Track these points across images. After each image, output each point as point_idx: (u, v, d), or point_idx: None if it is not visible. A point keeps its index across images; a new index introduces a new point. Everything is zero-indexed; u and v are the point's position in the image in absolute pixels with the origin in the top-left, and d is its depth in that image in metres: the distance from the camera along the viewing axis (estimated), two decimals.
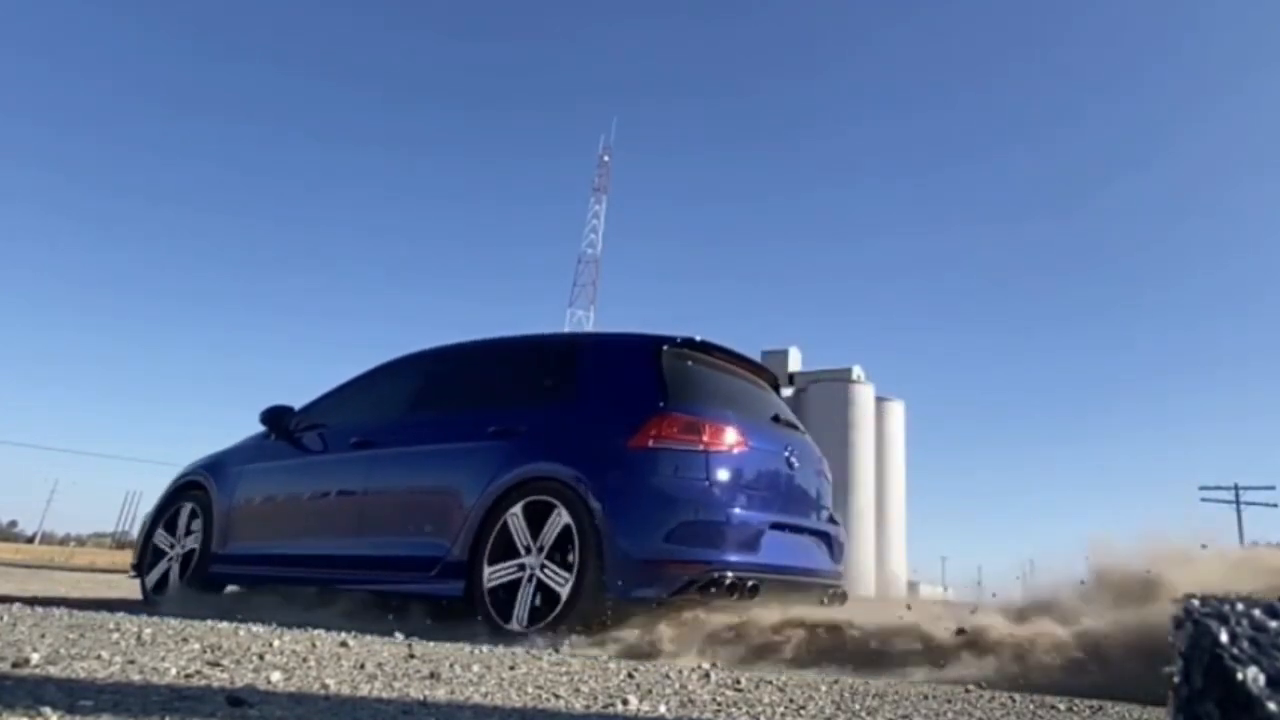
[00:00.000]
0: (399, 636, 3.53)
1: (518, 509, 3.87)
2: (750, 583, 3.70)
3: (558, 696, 2.14)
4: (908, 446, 26.33)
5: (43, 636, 2.63)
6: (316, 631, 3.42)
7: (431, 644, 3.31)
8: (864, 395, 25.01)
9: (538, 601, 3.72)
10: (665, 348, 4.22)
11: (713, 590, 3.62)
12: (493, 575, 3.84)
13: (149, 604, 4.98)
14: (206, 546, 5.12)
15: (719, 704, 2.21)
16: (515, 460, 3.99)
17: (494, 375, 4.74)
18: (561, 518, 3.73)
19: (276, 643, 2.83)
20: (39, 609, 3.68)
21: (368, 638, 3.31)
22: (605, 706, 2.06)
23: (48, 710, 1.46)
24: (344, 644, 2.96)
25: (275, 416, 5.26)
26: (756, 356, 5.15)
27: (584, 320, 39.46)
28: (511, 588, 3.80)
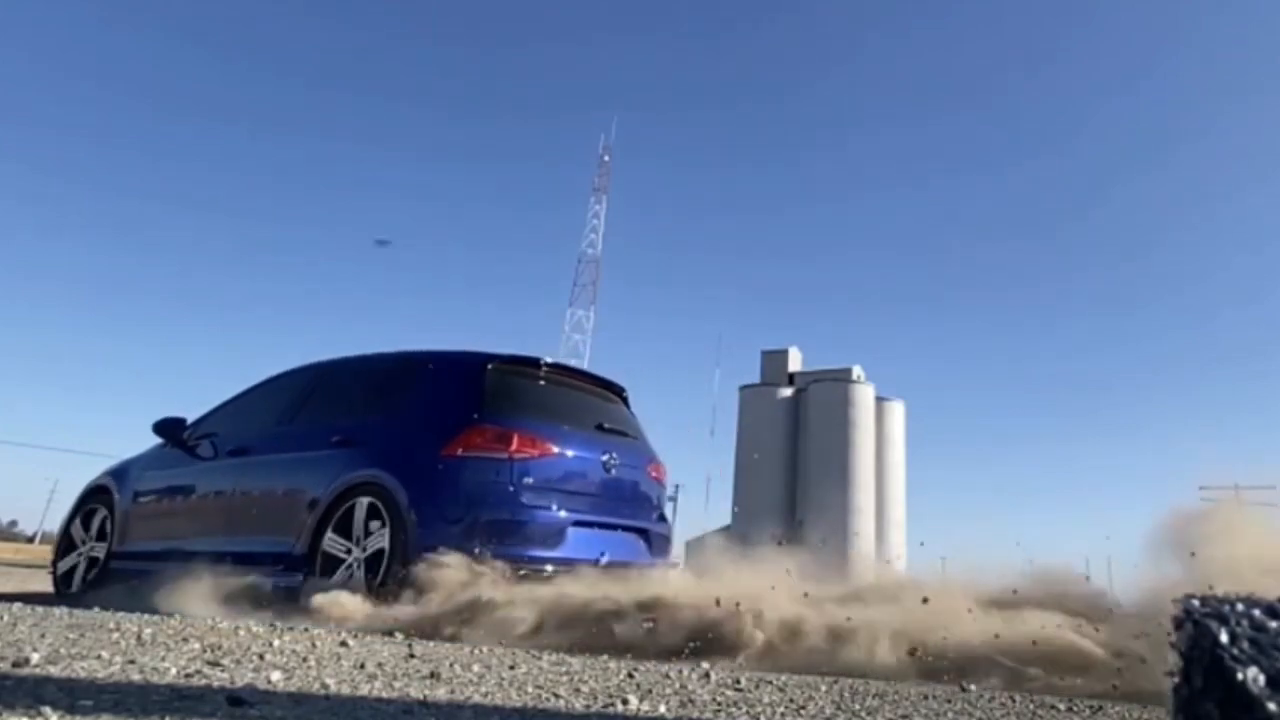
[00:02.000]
0: (398, 636, 3.53)
1: (345, 510, 4.34)
2: (547, 572, 4.14)
3: (558, 696, 2.14)
4: (908, 446, 26.33)
5: (43, 636, 2.63)
6: (317, 631, 3.42)
7: (431, 644, 3.31)
8: (864, 395, 24.99)
9: None
10: (490, 365, 4.69)
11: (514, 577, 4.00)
12: (325, 570, 4.30)
13: (60, 597, 5.46)
14: (109, 545, 5.62)
15: (719, 704, 2.21)
16: (349, 467, 4.45)
17: (346, 389, 5.22)
18: (379, 516, 4.21)
19: (276, 642, 2.83)
20: (39, 609, 3.68)
21: (368, 638, 3.31)
22: (605, 706, 2.06)
23: (48, 710, 1.46)
24: (344, 644, 2.96)
25: (167, 427, 5.77)
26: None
27: (584, 320, 39.42)
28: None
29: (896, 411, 26.09)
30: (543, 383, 4.89)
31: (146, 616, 3.64)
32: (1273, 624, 0.83)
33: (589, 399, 5.12)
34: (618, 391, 5.44)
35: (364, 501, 4.31)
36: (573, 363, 6.08)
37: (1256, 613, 0.85)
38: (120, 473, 5.95)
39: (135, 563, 5.38)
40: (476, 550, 4.00)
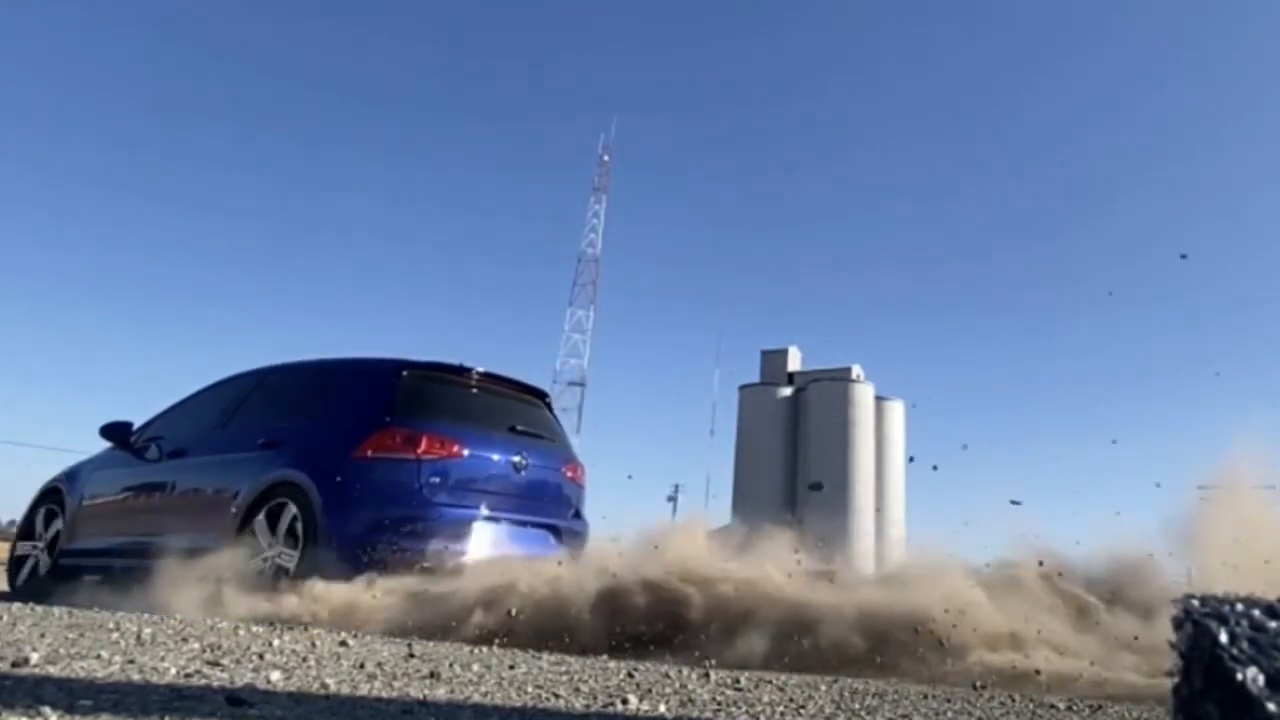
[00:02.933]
0: (398, 636, 3.53)
1: (266, 507, 4.57)
2: (452, 563, 4.38)
3: (557, 696, 2.14)
4: (908, 446, 26.32)
5: (42, 636, 2.63)
6: (316, 631, 3.42)
7: (431, 644, 3.32)
8: (864, 395, 24.99)
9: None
10: (405, 372, 4.92)
11: (415, 570, 4.25)
12: (256, 563, 4.47)
13: (15, 593, 5.75)
14: (60, 543, 5.89)
15: (719, 703, 2.21)
16: (271, 467, 4.69)
17: (276, 394, 5.44)
18: (293, 512, 4.46)
19: (276, 642, 2.83)
20: (38, 609, 3.68)
21: (367, 638, 3.31)
22: (605, 706, 2.06)
23: (48, 710, 1.46)
24: (344, 644, 2.96)
25: (113, 430, 5.94)
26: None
27: (584, 319, 39.42)
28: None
29: (896, 411, 26.09)
30: (459, 388, 5.16)
31: (146, 616, 3.64)
32: (1272, 624, 0.84)
33: (507, 403, 5.35)
34: (540, 396, 5.68)
35: (281, 500, 4.54)
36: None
37: (1256, 613, 0.85)
38: (72, 474, 6.22)
39: (83, 560, 5.66)
40: (382, 545, 4.25)
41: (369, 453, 4.49)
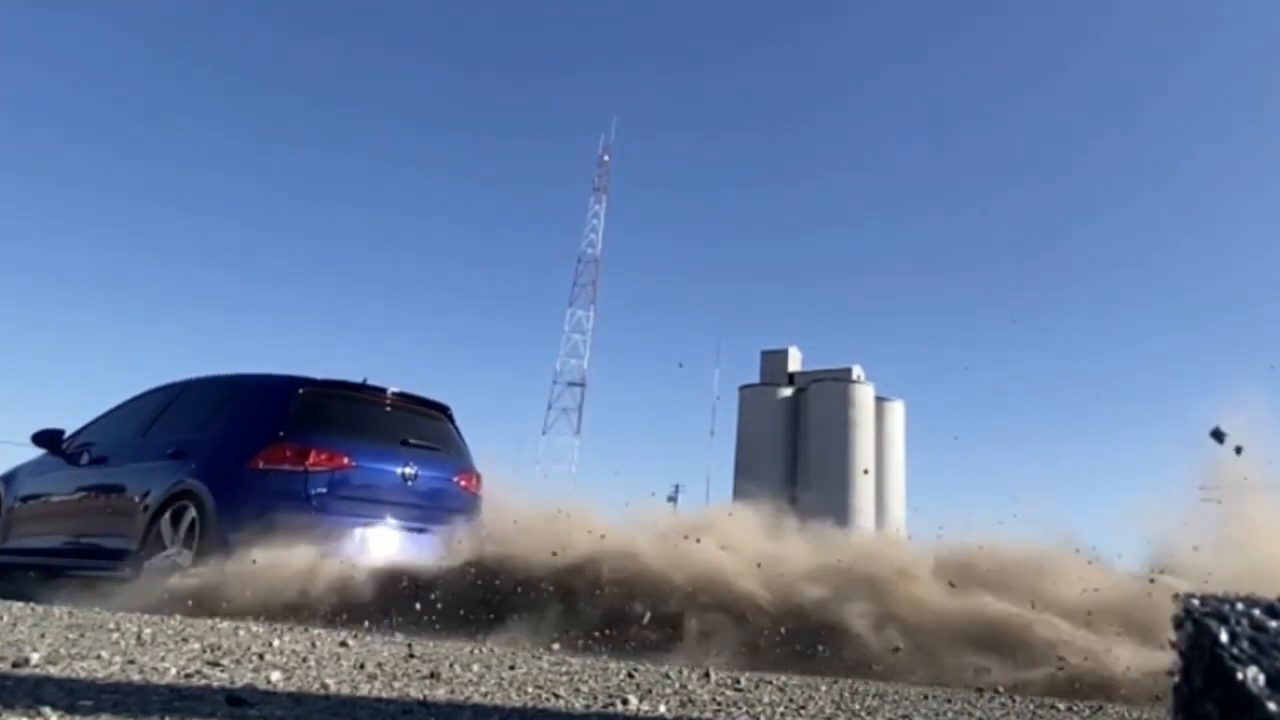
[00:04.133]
0: (399, 636, 3.53)
1: (169, 513, 4.97)
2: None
3: (558, 696, 2.14)
4: (907, 446, 26.33)
5: (43, 636, 2.63)
6: (316, 631, 3.42)
7: (431, 644, 3.32)
8: (864, 395, 24.99)
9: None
10: (301, 390, 5.34)
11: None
12: (153, 562, 4.89)
13: None
14: None
15: (719, 704, 2.21)
16: (176, 475, 5.08)
17: (189, 407, 5.79)
18: (192, 516, 4.85)
19: (276, 642, 2.83)
20: (38, 609, 3.68)
21: (368, 638, 3.31)
22: (605, 706, 2.06)
23: (48, 710, 1.46)
24: (344, 644, 2.96)
25: (44, 438, 6.27)
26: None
27: (584, 320, 39.39)
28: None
29: (896, 411, 26.09)
30: (356, 404, 5.60)
31: (146, 617, 3.64)
32: (1273, 623, 0.83)
33: (405, 417, 5.76)
34: (442, 410, 6.07)
35: (180, 506, 4.96)
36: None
37: (1256, 612, 0.85)
38: (9, 477, 6.60)
39: (17, 558, 6.04)
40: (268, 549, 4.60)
41: (261, 464, 4.93)
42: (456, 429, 6.11)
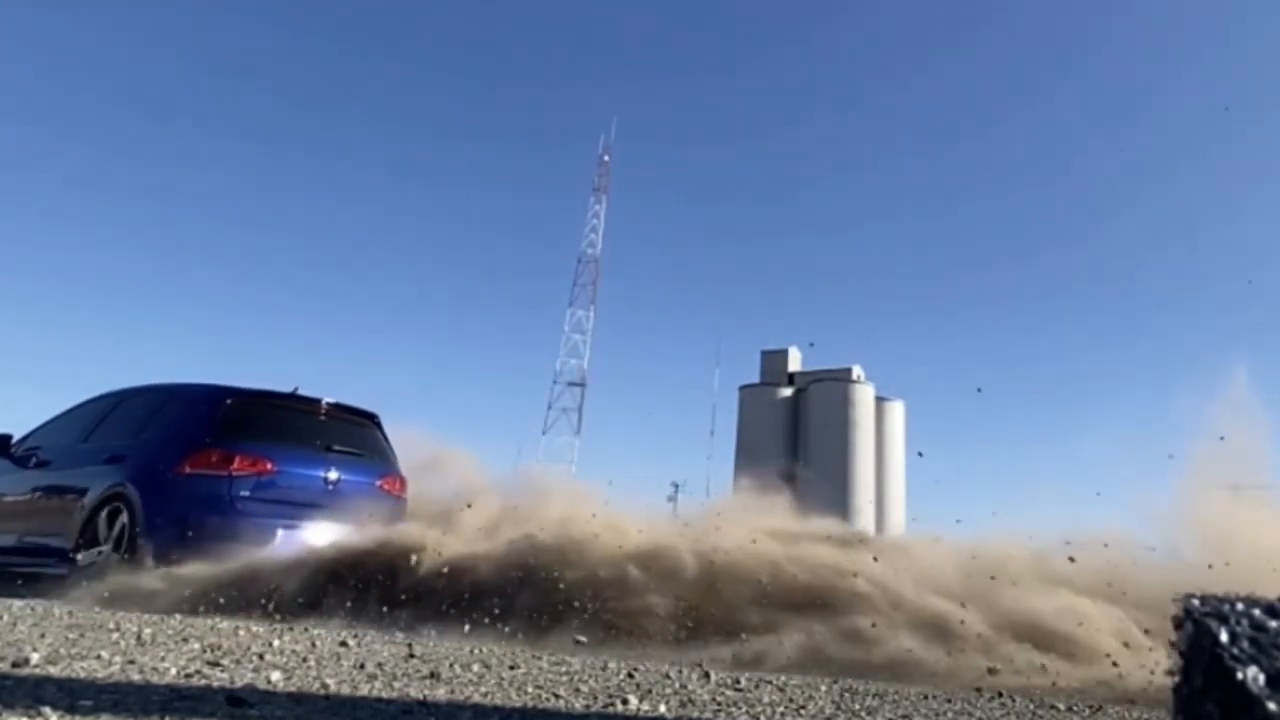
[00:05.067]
0: (399, 636, 3.53)
1: (103, 514, 5.29)
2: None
3: (558, 696, 2.14)
4: (908, 446, 26.33)
5: (43, 636, 2.63)
6: (316, 631, 3.42)
7: (431, 644, 3.32)
8: (864, 395, 25.00)
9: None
10: (230, 400, 5.67)
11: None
12: (84, 559, 5.22)
13: None
14: None
15: (719, 704, 2.21)
16: (111, 479, 5.39)
17: (126, 414, 6.08)
18: (123, 519, 5.14)
19: (276, 643, 2.83)
20: (38, 608, 3.68)
21: (368, 638, 3.31)
22: (605, 706, 2.06)
23: (48, 710, 1.46)
24: (344, 644, 2.96)
25: None
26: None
27: (584, 320, 39.38)
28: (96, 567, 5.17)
29: (896, 411, 26.10)
30: (284, 412, 5.93)
31: (146, 616, 3.64)
32: (1273, 623, 0.83)
33: (331, 425, 6.08)
34: (369, 418, 6.44)
35: (114, 507, 5.26)
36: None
37: (1256, 612, 0.85)
38: None
39: None
40: (193, 547, 4.92)
41: (187, 469, 5.23)
42: (384, 436, 6.45)
